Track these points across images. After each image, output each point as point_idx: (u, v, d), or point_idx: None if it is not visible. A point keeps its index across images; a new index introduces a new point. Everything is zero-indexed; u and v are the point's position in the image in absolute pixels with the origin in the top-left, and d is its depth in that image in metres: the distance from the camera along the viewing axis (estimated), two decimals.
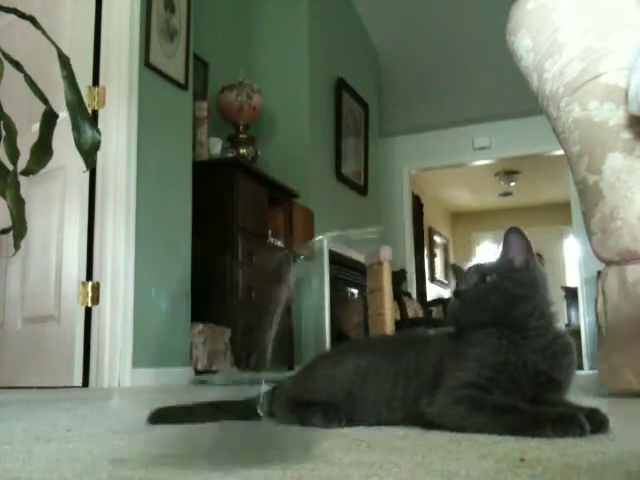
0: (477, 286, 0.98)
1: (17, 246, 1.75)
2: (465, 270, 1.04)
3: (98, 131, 1.67)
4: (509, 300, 0.96)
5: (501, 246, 1.00)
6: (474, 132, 6.69)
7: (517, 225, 1.01)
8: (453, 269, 1.16)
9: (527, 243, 0.99)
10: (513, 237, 0.99)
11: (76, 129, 1.63)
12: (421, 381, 0.99)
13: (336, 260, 5.22)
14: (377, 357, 1.08)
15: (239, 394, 1.19)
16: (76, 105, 1.64)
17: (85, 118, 1.65)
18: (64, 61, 1.67)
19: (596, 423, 0.87)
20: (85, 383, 2.98)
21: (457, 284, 1.03)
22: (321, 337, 4.87)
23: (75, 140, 1.64)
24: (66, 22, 3.25)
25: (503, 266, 0.98)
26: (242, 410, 1.18)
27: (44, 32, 1.69)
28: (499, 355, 0.94)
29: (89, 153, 1.64)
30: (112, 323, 3.01)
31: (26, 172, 1.72)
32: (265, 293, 4.11)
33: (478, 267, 1.01)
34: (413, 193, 7.46)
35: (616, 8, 1.57)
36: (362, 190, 6.11)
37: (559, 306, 8.96)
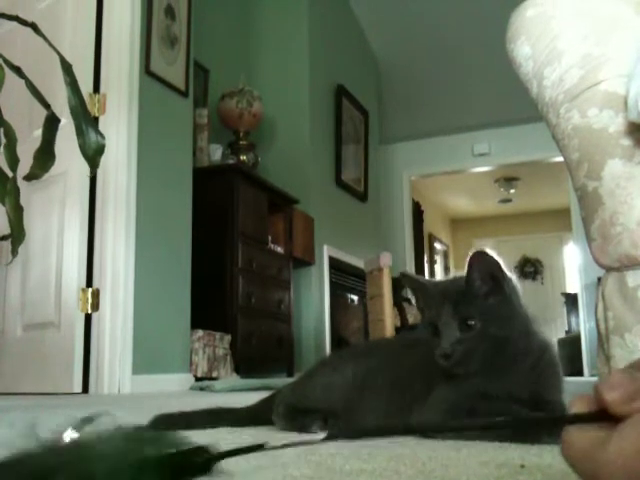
0: (462, 338, 0.91)
1: (15, 252, 1.75)
2: (431, 293, 0.97)
3: (102, 136, 1.67)
4: (498, 345, 0.91)
5: (466, 271, 0.93)
6: (474, 138, 6.70)
7: (482, 248, 0.93)
8: (405, 278, 1.07)
9: (492, 265, 0.92)
10: (478, 262, 0.92)
11: (80, 134, 1.63)
12: (416, 390, 0.98)
13: (336, 266, 5.23)
14: (376, 363, 1.07)
15: (239, 401, 1.19)
16: (80, 110, 1.64)
17: (89, 123, 1.65)
18: (66, 67, 1.67)
19: None
20: (85, 389, 2.98)
21: (428, 314, 0.95)
22: (321, 343, 4.87)
23: (80, 145, 1.64)
24: (67, 29, 3.25)
25: (476, 300, 0.91)
26: (242, 417, 1.18)
27: (46, 39, 1.70)
28: (481, 385, 0.91)
29: (94, 158, 1.64)
30: (112, 329, 3.00)
31: (30, 177, 1.72)
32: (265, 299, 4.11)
33: (445, 295, 0.94)
34: (413, 199, 7.47)
35: (615, 15, 1.57)
36: (362, 196, 6.12)
37: (559, 313, 8.96)
